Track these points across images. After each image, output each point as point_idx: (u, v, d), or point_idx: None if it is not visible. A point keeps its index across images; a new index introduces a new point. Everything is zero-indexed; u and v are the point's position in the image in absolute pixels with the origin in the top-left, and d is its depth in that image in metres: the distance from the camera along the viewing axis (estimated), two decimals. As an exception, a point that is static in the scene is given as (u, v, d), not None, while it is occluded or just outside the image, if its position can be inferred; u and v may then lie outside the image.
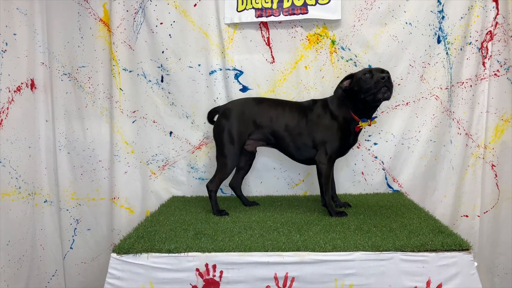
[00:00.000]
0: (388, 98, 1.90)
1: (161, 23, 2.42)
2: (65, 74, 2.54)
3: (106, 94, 2.54)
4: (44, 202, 2.56)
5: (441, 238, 1.62)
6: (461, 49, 2.34)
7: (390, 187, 2.49)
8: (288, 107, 2.11)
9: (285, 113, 2.08)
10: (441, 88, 2.39)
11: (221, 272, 1.60)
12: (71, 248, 2.66)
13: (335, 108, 2.03)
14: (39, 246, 2.54)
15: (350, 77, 2.00)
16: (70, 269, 2.68)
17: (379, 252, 1.56)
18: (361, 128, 2.02)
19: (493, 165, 2.41)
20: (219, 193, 2.16)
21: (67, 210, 2.63)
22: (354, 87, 1.96)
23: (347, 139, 2.03)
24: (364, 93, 1.91)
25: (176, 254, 1.62)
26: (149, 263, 1.62)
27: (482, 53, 2.33)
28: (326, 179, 2.01)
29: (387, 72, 1.91)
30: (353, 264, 1.56)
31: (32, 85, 2.45)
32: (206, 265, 1.60)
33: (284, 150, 2.13)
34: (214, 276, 1.60)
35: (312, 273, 1.57)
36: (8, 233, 2.27)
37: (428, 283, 1.54)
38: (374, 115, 2.03)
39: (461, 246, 1.56)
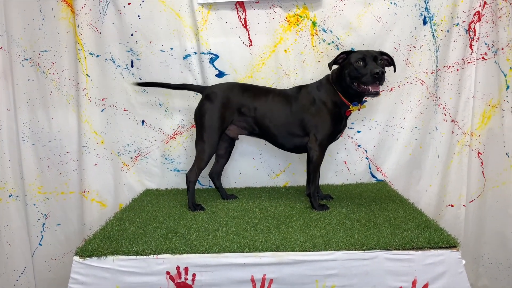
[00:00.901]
0: (377, 95, 1.80)
1: (129, 3, 2.24)
2: (26, 59, 2.35)
3: (72, 80, 2.37)
4: (9, 196, 2.40)
5: (428, 234, 1.54)
6: (447, 30, 2.23)
7: (373, 176, 2.41)
8: (273, 96, 2.02)
9: (270, 102, 1.99)
10: (427, 73, 2.29)
11: (194, 275, 1.50)
12: (40, 244, 2.53)
13: (323, 93, 1.94)
14: (5, 243, 2.42)
15: (346, 53, 1.89)
16: (40, 266, 2.55)
17: (363, 251, 1.47)
18: (351, 112, 1.93)
19: (479, 153, 2.34)
20: (196, 185, 2.04)
21: (34, 204, 2.48)
22: (345, 69, 1.85)
23: (338, 124, 1.94)
24: (351, 80, 1.83)
25: (145, 257, 1.51)
26: (116, 266, 1.50)
27: (469, 35, 2.22)
28: (316, 167, 1.93)
29: (382, 61, 1.82)
30: (334, 264, 1.47)
31: (-10, 72, 2.27)
32: (178, 268, 1.50)
33: (270, 140, 2.05)
34: (186, 279, 1.50)
35: (292, 274, 1.48)
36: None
37: (414, 283, 1.46)
38: (364, 99, 1.92)
39: (449, 243, 1.48)
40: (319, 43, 2.27)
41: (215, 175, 2.18)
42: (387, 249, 1.48)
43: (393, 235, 1.56)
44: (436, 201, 2.38)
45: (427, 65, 2.28)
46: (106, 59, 2.32)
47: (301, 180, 2.39)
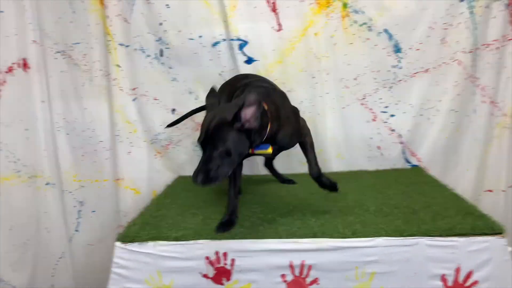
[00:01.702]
0: None
1: (157, -8, 2.23)
2: (59, 52, 2.38)
3: (103, 71, 2.39)
4: (46, 184, 2.46)
5: (471, 221, 1.49)
6: (486, 6, 2.13)
7: (408, 162, 2.35)
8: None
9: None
10: (464, 52, 2.20)
11: (233, 260, 1.51)
12: (76, 230, 2.59)
13: None
14: (44, 229, 2.49)
15: None
16: (77, 251, 2.61)
17: (403, 238, 1.44)
18: None
19: (520, 136, 2.25)
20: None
21: (70, 192, 2.54)
22: None
23: None
24: None
25: (184, 242, 1.52)
26: (156, 251, 1.53)
27: (510, 10, 2.12)
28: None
29: None
30: (375, 250, 1.45)
31: (25, 65, 2.32)
32: (217, 253, 1.51)
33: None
34: (225, 264, 1.51)
35: (331, 261, 1.46)
36: (10, 217, 2.33)
37: (457, 270, 1.42)
38: None
39: (494, 229, 1.43)
40: (351, 25, 2.21)
41: (268, 165, 2.20)
42: (429, 236, 1.44)
43: (434, 221, 1.52)
44: (474, 186, 2.31)
45: (464, 44, 2.19)
46: (135, 49, 2.33)
47: (333, 166, 2.36)
